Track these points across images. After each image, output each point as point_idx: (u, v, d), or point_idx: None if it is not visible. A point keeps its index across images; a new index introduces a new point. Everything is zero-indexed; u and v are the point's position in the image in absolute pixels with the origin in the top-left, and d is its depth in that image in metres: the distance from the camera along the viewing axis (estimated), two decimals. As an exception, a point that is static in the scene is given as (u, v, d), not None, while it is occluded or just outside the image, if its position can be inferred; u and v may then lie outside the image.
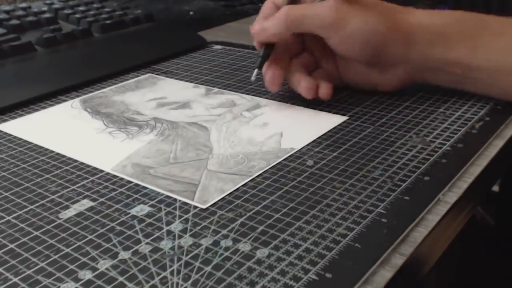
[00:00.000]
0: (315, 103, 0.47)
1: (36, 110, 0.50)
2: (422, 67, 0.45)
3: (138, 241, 0.30)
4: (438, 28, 0.44)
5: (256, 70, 0.48)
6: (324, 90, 0.46)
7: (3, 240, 0.31)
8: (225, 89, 0.53)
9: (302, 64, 0.48)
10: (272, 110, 0.47)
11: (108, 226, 0.32)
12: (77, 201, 0.34)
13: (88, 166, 0.39)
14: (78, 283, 0.27)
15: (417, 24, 0.44)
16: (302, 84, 0.46)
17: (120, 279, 0.27)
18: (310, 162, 0.38)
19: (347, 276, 0.27)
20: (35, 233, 0.31)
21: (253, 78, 0.48)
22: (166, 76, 0.57)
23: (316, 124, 0.44)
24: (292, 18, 0.45)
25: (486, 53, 0.43)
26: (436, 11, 0.46)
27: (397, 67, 0.46)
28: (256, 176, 0.36)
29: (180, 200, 0.34)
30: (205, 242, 0.30)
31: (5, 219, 0.33)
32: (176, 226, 0.31)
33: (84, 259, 0.29)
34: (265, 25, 0.46)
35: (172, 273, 0.27)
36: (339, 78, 0.49)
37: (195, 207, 0.33)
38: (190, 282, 0.27)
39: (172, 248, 0.29)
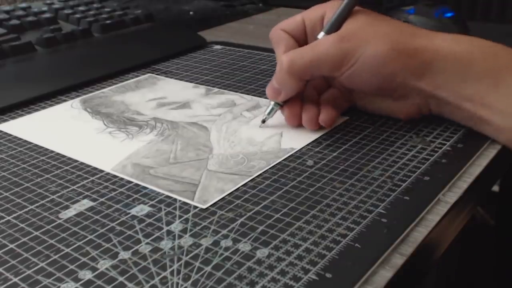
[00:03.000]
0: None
1: (36, 110, 0.50)
2: (437, 100, 0.41)
3: (138, 241, 0.30)
4: (460, 58, 0.39)
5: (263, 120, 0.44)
6: (324, 117, 0.42)
7: (3, 240, 0.31)
8: (225, 89, 0.53)
9: (313, 86, 0.44)
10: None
11: (108, 226, 0.32)
12: (77, 201, 0.34)
13: (88, 166, 0.39)
14: (78, 283, 0.27)
15: (436, 52, 0.39)
16: (304, 117, 0.42)
17: (120, 279, 0.27)
18: (310, 162, 0.38)
19: (347, 276, 0.27)
20: (35, 233, 0.31)
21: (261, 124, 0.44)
22: (166, 76, 0.57)
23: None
24: (299, 70, 0.41)
25: (508, 93, 0.37)
26: (462, 37, 0.40)
27: (411, 96, 0.41)
28: (256, 176, 0.36)
29: (180, 200, 0.34)
30: (205, 242, 0.30)
31: (5, 219, 0.33)
32: (176, 226, 0.31)
33: (84, 259, 0.29)
34: (276, 85, 0.42)
35: (172, 273, 0.27)
36: (353, 99, 0.45)
37: (195, 207, 0.33)
38: (190, 282, 0.27)
39: (172, 248, 0.29)
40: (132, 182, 0.36)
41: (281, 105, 0.43)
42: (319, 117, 0.42)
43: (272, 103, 0.43)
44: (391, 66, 0.40)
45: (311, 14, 0.44)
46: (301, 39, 0.44)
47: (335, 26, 0.41)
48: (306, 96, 0.44)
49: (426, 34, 0.41)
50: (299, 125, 0.43)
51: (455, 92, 0.39)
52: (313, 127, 0.42)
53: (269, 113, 0.43)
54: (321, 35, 0.42)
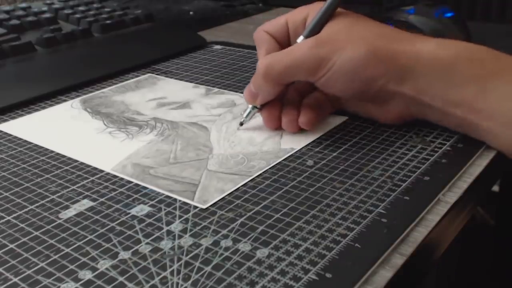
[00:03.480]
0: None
1: (36, 110, 0.50)
2: (421, 105, 0.39)
3: (138, 241, 0.30)
4: (443, 62, 0.38)
5: (241, 122, 0.44)
6: (303, 119, 0.41)
7: (3, 240, 0.31)
8: (225, 89, 0.53)
9: (296, 89, 0.44)
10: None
11: (108, 226, 0.32)
12: (77, 201, 0.34)
13: (88, 166, 0.39)
14: (78, 283, 0.27)
15: (417, 56, 0.38)
16: (283, 120, 0.42)
17: (120, 279, 0.27)
18: (310, 162, 0.38)
19: (347, 276, 0.27)
20: (35, 233, 0.31)
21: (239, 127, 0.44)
22: (166, 76, 0.57)
23: (316, 124, 0.44)
24: (275, 75, 0.40)
25: (499, 98, 0.36)
26: (446, 41, 0.39)
27: (393, 101, 0.40)
28: (256, 176, 0.36)
29: (180, 200, 0.34)
30: (205, 242, 0.30)
31: (5, 219, 0.33)
32: (176, 226, 0.31)
33: (84, 259, 0.29)
34: (253, 89, 0.42)
35: (172, 273, 0.27)
36: (338, 102, 0.45)
37: (195, 207, 0.33)
38: (190, 282, 0.27)
39: (172, 248, 0.29)
40: (132, 182, 0.36)
41: (259, 108, 0.43)
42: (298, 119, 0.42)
43: (250, 106, 0.43)
44: (369, 71, 0.38)
45: (294, 16, 0.43)
46: (284, 41, 0.44)
47: (315, 30, 0.41)
48: (287, 99, 0.43)
49: (408, 38, 0.40)
50: (277, 128, 0.43)
51: (440, 97, 0.38)
52: (292, 130, 0.42)
53: (246, 116, 0.43)
54: (300, 39, 0.41)
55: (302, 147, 0.40)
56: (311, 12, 0.42)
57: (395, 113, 0.41)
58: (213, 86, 0.53)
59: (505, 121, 0.36)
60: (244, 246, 0.29)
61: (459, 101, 0.37)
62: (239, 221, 0.31)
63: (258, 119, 0.45)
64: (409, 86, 0.39)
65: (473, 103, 0.37)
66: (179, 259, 0.28)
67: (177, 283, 0.27)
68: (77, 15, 0.68)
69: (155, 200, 0.34)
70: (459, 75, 0.37)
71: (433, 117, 0.40)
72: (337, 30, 0.40)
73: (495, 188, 0.78)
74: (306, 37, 0.41)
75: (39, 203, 0.34)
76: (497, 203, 0.81)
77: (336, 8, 0.41)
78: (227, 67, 0.59)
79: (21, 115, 0.48)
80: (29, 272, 0.28)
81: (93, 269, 0.28)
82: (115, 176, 0.37)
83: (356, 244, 0.29)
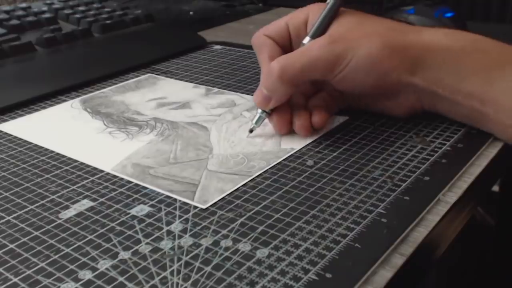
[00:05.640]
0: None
1: (36, 110, 0.50)
2: (431, 96, 0.40)
3: (138, 241, 0.30)
4: (452, 53, 0.38)
5: (250, 129, 0.42)
6: (316, 119, 0.41)
7: (3, 240, 0.31)
8: (225, 89, 0.53)
9: (301, 92, 0.43)
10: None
11: (108, 226, 0.32)
12: (77, 201, 0.34)
13: (88, 166, 0.39)
14: (78, 283, 0.27)
15: (427, 47, 0.39)
16: (296, 123, 0.41)
17: (120, 279, 0.27)
18: (310, 162, 0.38)
19: (347, 276, 0.27)
20: (35, 233, 0.31)
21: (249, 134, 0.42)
22: (166, 76, 0.57)
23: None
24: (292, 76, 0.39)
25: (505, 89, 0.37)
26: (452, 32, 0.40)
27: (405, 94, 0.41)
28: (256, 176, 0.36)
29: (180, 200, 0.34)
30: (205, 242, 0.30)
31: (5, 219, 0.33)
32: (176, 226, 0.31)
33: (84, 259, 0.29)
34: (265, 92, 0.40)
35: (172, 273, 0.27)
36: (343, 101, 0.45)
37: (195, 207, 0.33)
38: (190, 282, 0.27)
39: (172, 248, 0.29)
40: (132, 182, 0.36)
41: (268, 113, 0.42)
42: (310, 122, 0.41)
43: (259, 111, 0.41)
44: (385, 64, 0.39)
45: (295, 18, 0.43)
46: (285, 44, 0.44)
47: (321, 30, 0.41)
48: (295, 102, 0.42)
49: (415, 30, 0.40)
50: (288, 132, 0.42)
51: (450, 87, 0.39)
52: (306, 133, 0.41)
53: (256, 122, 0.42)
54: (306, 39, 0.41)
55: (302, 147, 0.40)
56: (311, 13, 0.42)
57: (406, 105, 0.42)
58: (213, 86, 0.53)
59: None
60: (244, 246, 0.29)
61: (468, 92, 0.38)
62: (239, 221, 0.31)
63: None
64: (420, 77, 0.39)
65: (481, 93, 0.38)
66: (179, 259, 0.28)
67: (177, 283, 0.27)
68: (77, 15, 0.68)
69: (155, 200, 0.34)
70: (467, 66, 0.38)
71: (442, 108, 0.41)
72: (347, 27, 0.40)
73: (495, 188, 0.78)
74: (313, 37, 0.41)
75: (39, 203, 0.34)
76: (497, 203, 0.81)
77: (339, 7, 0.41)
78: (227, 67, 0.59)
79: (21, 115, 0.48)
80: (29, 272, 0.28)
81: (93, 269, 0.28)
82: (115, 176, 0.37)
83: (356, 244, 0.29)
